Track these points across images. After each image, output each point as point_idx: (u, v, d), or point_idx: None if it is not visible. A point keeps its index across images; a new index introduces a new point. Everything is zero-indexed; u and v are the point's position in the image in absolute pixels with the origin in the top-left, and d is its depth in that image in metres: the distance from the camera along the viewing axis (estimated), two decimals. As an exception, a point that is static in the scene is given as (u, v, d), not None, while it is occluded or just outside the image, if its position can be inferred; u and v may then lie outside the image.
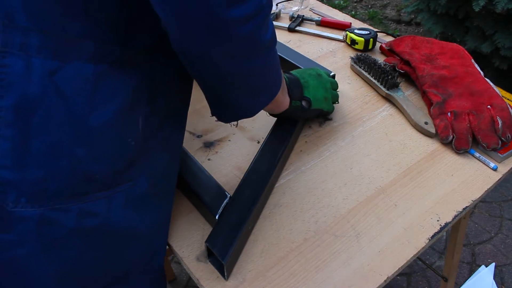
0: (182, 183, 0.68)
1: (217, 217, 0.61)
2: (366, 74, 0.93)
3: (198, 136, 0.81)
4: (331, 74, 0.88)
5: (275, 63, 0.57)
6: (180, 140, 0.63)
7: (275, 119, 0.78)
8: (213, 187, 0.65)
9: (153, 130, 0.54)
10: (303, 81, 0.75)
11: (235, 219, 0.60)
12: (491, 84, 0.83)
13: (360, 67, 0.94)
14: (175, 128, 0.60)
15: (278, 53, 0.95)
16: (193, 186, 0.65)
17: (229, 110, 0.59)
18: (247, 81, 0.54)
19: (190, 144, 0.79)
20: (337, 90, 0.83)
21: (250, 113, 0.60)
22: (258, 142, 0.79)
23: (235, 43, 0.46)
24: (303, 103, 0.74)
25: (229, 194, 0.64)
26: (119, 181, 0.51)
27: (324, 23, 1.14)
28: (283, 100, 0.69)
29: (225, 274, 0.57)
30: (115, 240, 0.54)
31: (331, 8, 1.25)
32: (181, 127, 0.62)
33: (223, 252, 0.56)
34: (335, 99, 0.82)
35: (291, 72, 0.76)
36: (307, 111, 0.75)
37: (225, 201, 0.62)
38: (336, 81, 0.83)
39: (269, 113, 0.75)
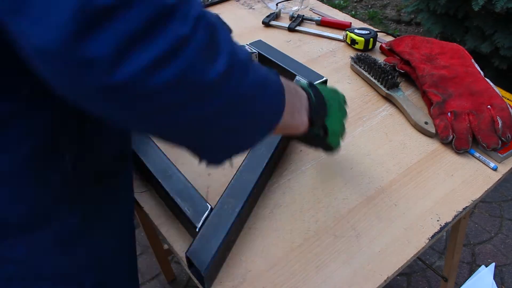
0: (163, 194, 0.67)
1: (197, 229, 0.60)
2: (366, 74, 0.93)
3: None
4: (323, 79, 0.87)
5: (254, 92, 0.42)
6: (121, 171, 0.57)
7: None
8: (193, 198, 0.64)
9: (83, 165, 0.48)
10: (328, 106, 0.61)
11: (217, 230, 0.59)
12: (491, 84, 0.83)
13: (360, 67, 0.94)
14: (114, 160, 0.53)
15: (270, 57, 0.95)
16: (174, 197, 0.64)
17: (214, 154, 0.46)
18: (213, 127, 0.40)
19: (190, 144, 0.79)
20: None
21: (243, 150, 0.47)
22: (258, 142, 0.79)
23: (155, 98, 0.33)
24: (321, 131, 0.61)
25: (210, 205, 0.63)
26: (42, 222, 0.46)
27: (324, 23, 1.14)
28: (297, 124, 0.53)
29: (205, 285, 0.57)
30: (40, 284, 0.49)
31: (331, 8, 1.25)
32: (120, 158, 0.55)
33: (204, 263, 0.55)
34: (343, 135, 0.67)
35: (315, 84, 0.61)
36: (321, 141, 0.63)
37: (206, 213, 0.62)
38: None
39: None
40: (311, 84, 0.59)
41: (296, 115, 0.53)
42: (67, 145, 0.46)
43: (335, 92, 0.65)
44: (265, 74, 0.44)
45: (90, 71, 0.29)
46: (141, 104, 0.33)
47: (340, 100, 0.64)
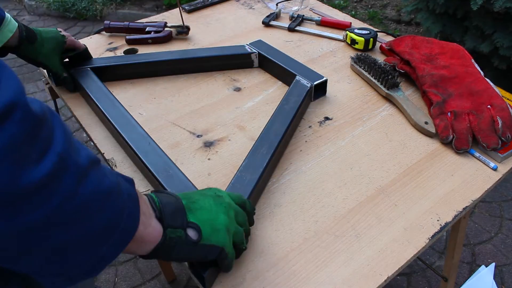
0: None
1: None
2: (366, 74, 0.93)
3: (198, 136, 0.81)
4: (323, 79, 0.87)
5: (94, 205, 0.36)
6: None
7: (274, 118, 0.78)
8: None
9: None
10: (187, 201, 0.50)
11: None
12: (491, 84, 0.83)
13: (360, 67, 0.94)
14: None
15: (270, 57, 0.95)
16: None
17: (50, 281, 0.38)
18: (40, 245, 0.33)
19: (190, 144, 0.79)
20: (249, 228, 0.59)
21: (86, 275, 0.39)
22: (258, 142, 0.79)
23: None
24: (190, 232, 0.48)
25: None
26: None
27: (324, 23, 1.14)
28: (141, 233, 0.43)
29: (205, 285, 0.56)
30: None
31: (331, 8, 1.25)
32: None
33: (204, 263, 0.55)
34: (239, 238, 0.55)
35: (169, 192, 0.52)
36: (196, 246, 0.49)
37: None
38: (245, 213, 0.58)
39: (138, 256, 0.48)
40: (155, 191, 0.51)
41: (145, 219, 0.44)
42: None
43: (207, 189, 0.56)
44: (114, 183, 0.38)
45: None
46: None
47: (213, 194, 0.54)
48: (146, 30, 1.11)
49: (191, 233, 0.48)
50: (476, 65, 0.88)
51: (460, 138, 0.75)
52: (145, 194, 0.48)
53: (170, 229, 0.46)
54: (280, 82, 0.95)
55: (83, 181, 0.34)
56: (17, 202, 0.29)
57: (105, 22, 1.13)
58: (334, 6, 2.90)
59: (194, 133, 0.82)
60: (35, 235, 0.32)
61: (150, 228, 0.44)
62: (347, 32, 1.04)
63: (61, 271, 0.37)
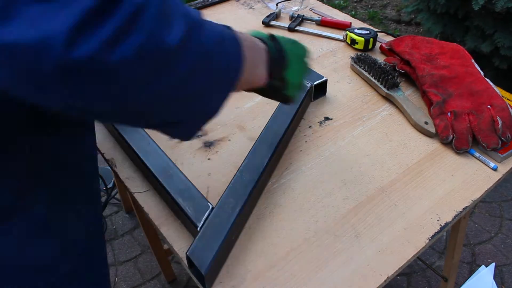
0: (164, 194, 0.67)
1: (199, 228, 0.60)
2: (366, 74, 0.93)
3: (198, 136, 0.81)
4: (323, 79, 0.87)
5: (213, 50, 0.40)
6: (83, 158, 0.55)
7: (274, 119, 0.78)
8: (195, 198, 0.64)
9: (45, 155, 0.48)
10: (288, 61, 0.61)
11: (217, 230, 0.59)
12: (491, 84, 0.83)
13: (360, 67, 0.94)
14: (76, 149, 0.52)
15: None
16: (175, 197, 0.64)
17: (186, 127, 0.47)
18: (180, 95, 0.39)
19: (190, 144, 0.79)
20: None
21: (211, 115, 0.49)
22: (258, 142, 0.79)
23: (119, 75, 0.31)
24: (276, 82, 0.60)
25: (211, 205, 0.63)
26: (6, 216, 0.45)
27: (324, 23, 1.14)
28: (256, 79, 0.54)
29: (206, 285, 0.57)
30: (8, 277, 0.47)
31: (331, 8, 1.25)
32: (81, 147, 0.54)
33: (204, 263, 0.55)
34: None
35: (275, 36, 0.59)
36: (278, 93, 0.62)
37: (207, 212, 0.62)
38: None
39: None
40: (271, 36, 0.59)
41: (256, 70, 0.53)
42: (27, 141, 0.45)
43: (295, 43, 0.64)
44: (220, 30, 0.43)
45: (45, 50, 0.28)
46: (102, 86, 0.31)
47: (300, 52, 0.65)
48: (146, 30, 1.11)
49: (280, 84, 0.60)
50: (476, 65, 0.88)
51: (460, 138, 0.75)
52: (264, 41, 0.56)
53: (273, 80, 0.58)
54: (280, 82, 0.95)
55: (202, 33, 0.38)
56: (169, 63, 0.34)
57: (105, 22, 1.13)
58: (334, 6, 2.90)
59: (194, 133, 0.82)
60: (182, 86, 0.38)
61: (260, 75, 0.55)
62: (347, 32, 1.04)
63: (201, 111, 0.47)
